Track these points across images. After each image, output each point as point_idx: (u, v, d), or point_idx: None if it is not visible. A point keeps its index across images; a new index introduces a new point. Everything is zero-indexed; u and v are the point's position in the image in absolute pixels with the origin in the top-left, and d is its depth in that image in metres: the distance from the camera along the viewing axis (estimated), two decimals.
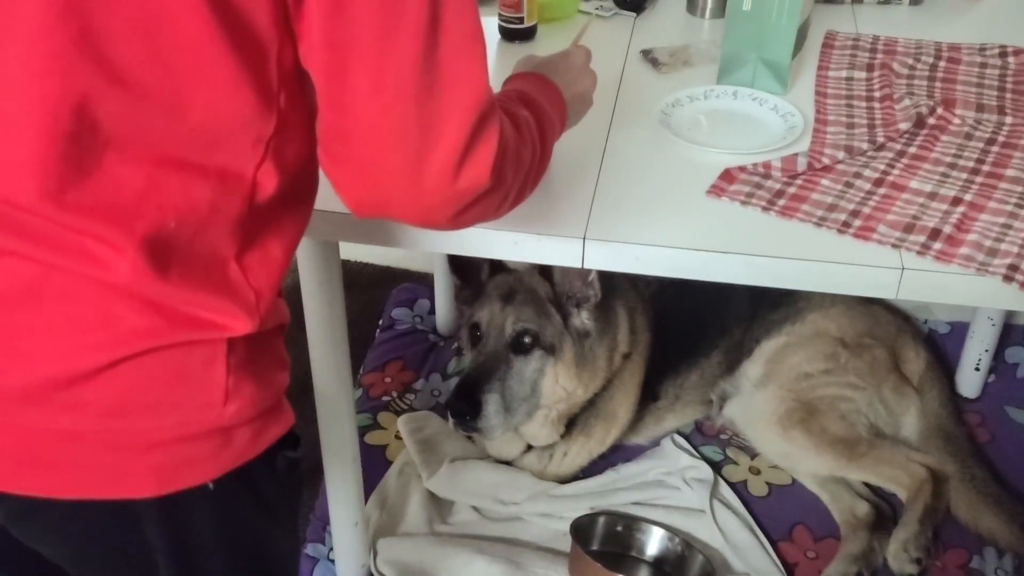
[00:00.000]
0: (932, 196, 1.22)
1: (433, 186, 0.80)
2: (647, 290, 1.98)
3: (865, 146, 1.32)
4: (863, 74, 1.50)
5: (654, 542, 1.76)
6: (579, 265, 1.18)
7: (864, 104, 1.43)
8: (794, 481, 1.94)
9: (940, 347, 2.24)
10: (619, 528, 1.77)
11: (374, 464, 1.92)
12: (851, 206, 1.20)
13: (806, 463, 1.90)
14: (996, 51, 1.57)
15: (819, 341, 2.00)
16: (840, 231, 1.16)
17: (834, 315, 2.04)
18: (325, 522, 1.77)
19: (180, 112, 0.75)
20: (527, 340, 1.67)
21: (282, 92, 0.80)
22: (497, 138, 0.82)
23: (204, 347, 0.81)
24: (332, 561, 1.74)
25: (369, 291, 2.55)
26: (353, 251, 2.58)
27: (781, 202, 1.21)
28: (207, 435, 0.83)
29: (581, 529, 1.71)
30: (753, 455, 1.98)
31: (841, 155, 1.29)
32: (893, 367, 2.03)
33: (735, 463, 1.97)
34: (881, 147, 1.32)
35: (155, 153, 0.76)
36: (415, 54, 0.76)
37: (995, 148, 1.32)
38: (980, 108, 1.41)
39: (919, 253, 1.13)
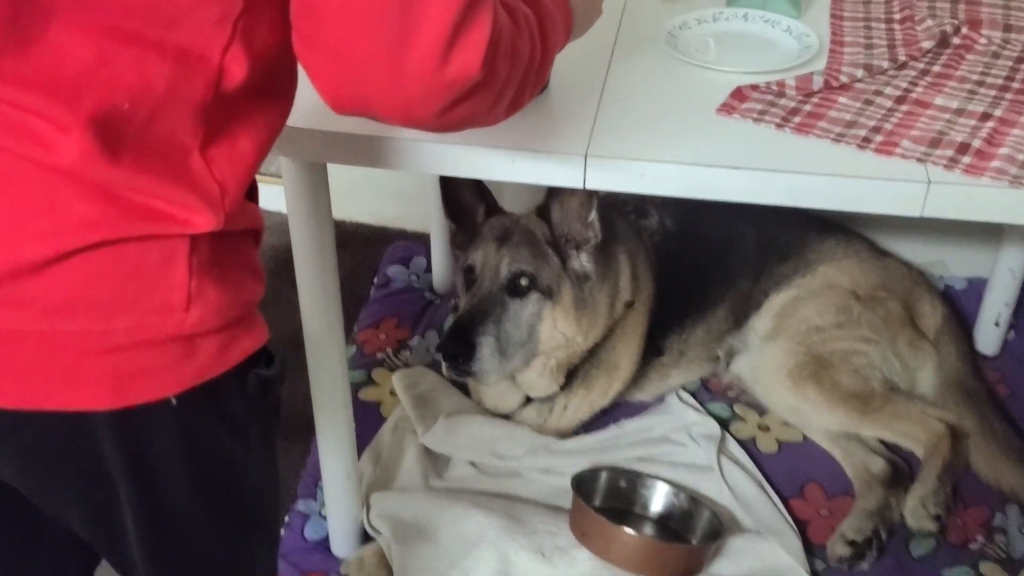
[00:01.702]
0: (959, 112, 1.14)
1: (417, 73, 0.71)
2: (650, 239, 1.90)
3: (886, 64, 1.23)
4: None
5: (659, 498, 1.68)
6: (580, 185, 1.10)
7: (883, 25, 1.34)
8: (805, 438, 1.86)
9: (957, 304, 2.16)
10: (622, 483, 1.69)
11: (368, 421, 1.85)
12: (872, 123, 1.12)
13: (818, 418, 1.83)
14: None
15: (830, 293, 1.92)
16: (860, 146, 1.08)
17: (846, 267, 1.96)
18: (316, 478, 1.70)
19: None
20: (523, 282, 1.59)
21: None
22: (490, 23, 0.73)
23: (162, 243, 0.73)
24: (324, 517, 1.67)
25: (364, 251, 2.47)
26: (347, 211, 2.50)
27: (796, 119, 1.13)
28: (167, 343, 0.75)
29: (583, 484, 1.63)
30: (762, 412, 1.90)
31: (860, 73, 1.21)
32: (908, 321, 1.95)
33: (743, 420, 1.89)
34: (903, 66, 1.24)
35: (105, 24, 0.68)
36: None
37: None
38: (1008, 28, 1.32)
39: (946, 167, 1.05)
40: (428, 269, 2.32)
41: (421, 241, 2.39)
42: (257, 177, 0.85)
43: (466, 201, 1.70)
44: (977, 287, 2.17)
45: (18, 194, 0.70)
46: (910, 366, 1.91)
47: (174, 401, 0.76)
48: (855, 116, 1.14)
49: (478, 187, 1.69)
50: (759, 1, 1.36)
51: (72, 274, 0.71)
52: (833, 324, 1.88)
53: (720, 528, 1.59)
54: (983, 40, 1.29)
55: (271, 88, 0.80)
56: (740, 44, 1.31)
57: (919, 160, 1.06)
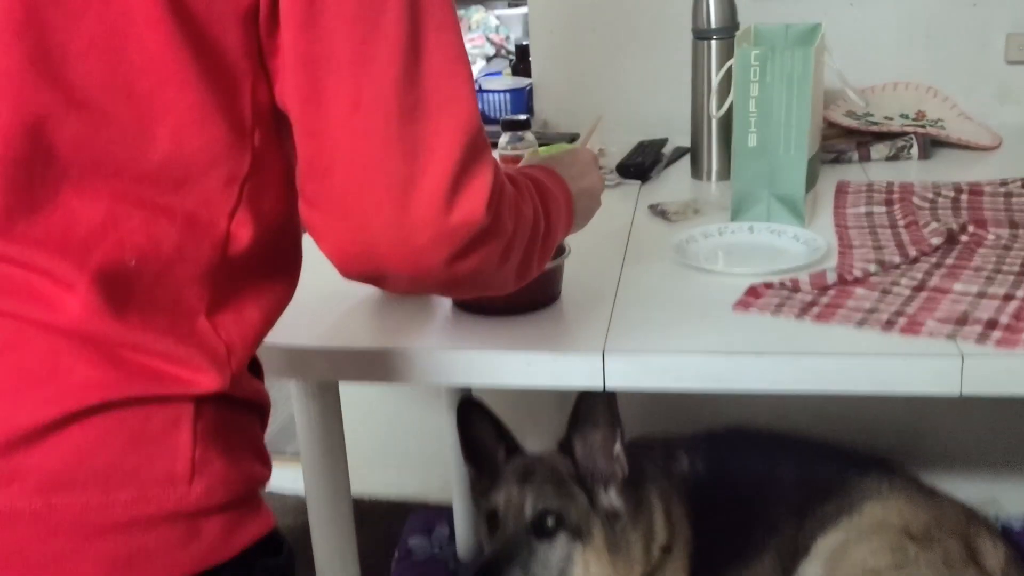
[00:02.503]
0: (981, 295, 1.12)
1: (423, 220, 0.71)
2: (682, 483, 1.81)
3: (898, 260, 1.23)
4: (883, 208, 1.44)
5: None
6: (600, 385, 1.06)
7: (889, 230, 1.35)
8: None
9: (1017, 545, 2.01)
10: None
11: None
12: (893, 308, 1.10)
13: None
14: (1019, 183, 1.51)
15: (882, 533, 1.80)
16: (884, 329, 1.05)
17: (894, 504, 1.85)
18: None
19: (144, 142, 0.69)
20: (550, 522, 1.50)
21: (257, 130, 0.73)
22: (491, 172, 0.74)
23: (166, 407, 0.70)
24: None
25: (383, 525, 2.38)
26: (365, 486, 2.44)
27: (815, 310, 1.11)
28: (168, 521, 0.69)
29: None
30: None
31: (873, 268, 1.20)
32: (970, 560, 1.80)
33: None
34: (915, 260, 1.23)
35: (116, 188, 0.69)
36: (396, 70, 0.70)
37: None
38: (1013, 224, 1.33)
39: (978, 341, 1.00)
40: (451, 539, 2.21)
41: (443, 512, 2.30)
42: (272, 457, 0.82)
43: (485, 444, 1.64)
44: None
45: (18, 361, 0.67)
46: None
47: None
48: (875, 304, 1.11)
49: (497, 429, 1.64)
50: (762, 215, 1.38)
51: (71, 442, 0.67)
52: (890, 566, 1.74)
53: None
54: (991, 236, 1.29)
55: (277, 258, 0.79)
56: (748, 253, 1.32)
57: (948, 337, 1.02)
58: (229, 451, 0.73)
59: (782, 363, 1.02)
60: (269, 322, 0.78)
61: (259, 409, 0.79)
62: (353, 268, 0.76)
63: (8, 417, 0.66)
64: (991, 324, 1.03)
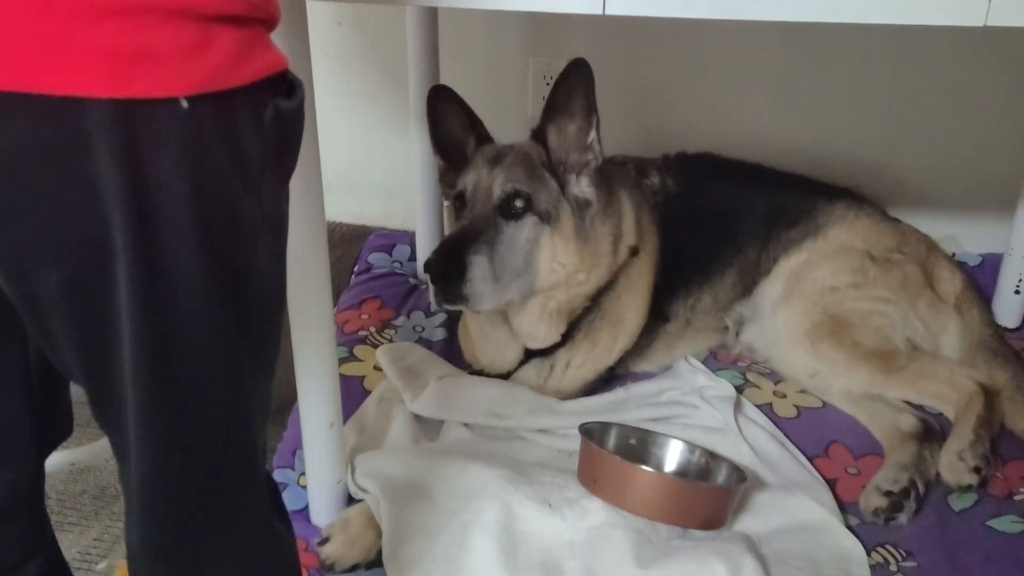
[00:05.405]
0: None
1: None
2: (654, 198, 1.78)
3: None
4: None
5: (673, 455, 1.52)
6: (600, 11, 0.98)
7: None
8: (825, 404, 1.71)
9: (971, 278, 2.04)
10: (632, 441, 1.53)
11: (350, 394, 1.68)
12: None
13: (839, 380, 1.69)
14: None
15: (844, 255, 1.80)
16: None
17: (859, 229, 1.85)
18: (295, 447, 1.54)
19: None
20: (519, 204, 1.45)
21: None
22: None
23: None
24: (303, 487, 1.49)
25: (344, 248, 2.35)
26: (329, 214, 2.39)
27: None
28: (179, 18, 0.63)
29: (591, 436, 1.47)
30: (777, 380, 1.76)
31: None
32: (927, 284, 1.83)
33: (757, 387, 1.74)
34: None
35: None
36: None
37: None
38: None
39: None
40: (412, 258, 2.19)
41: (405, 235, 2.27)
42: None
43: (455, 134, 1.58)
44: (992, 263, 2.06)
45: None
46: (932, 329, 1.79)
47: (184, 104, 0.64)
48: None
49: (468, 118, 1.57)
50: None
51: None
52: (849, 284, 1.76)
53: (744, 477, 1.43)
54: None
55: None
56: None
57: None
58: None
59: None
60: None
61: None
62: None
63: None
64: None
